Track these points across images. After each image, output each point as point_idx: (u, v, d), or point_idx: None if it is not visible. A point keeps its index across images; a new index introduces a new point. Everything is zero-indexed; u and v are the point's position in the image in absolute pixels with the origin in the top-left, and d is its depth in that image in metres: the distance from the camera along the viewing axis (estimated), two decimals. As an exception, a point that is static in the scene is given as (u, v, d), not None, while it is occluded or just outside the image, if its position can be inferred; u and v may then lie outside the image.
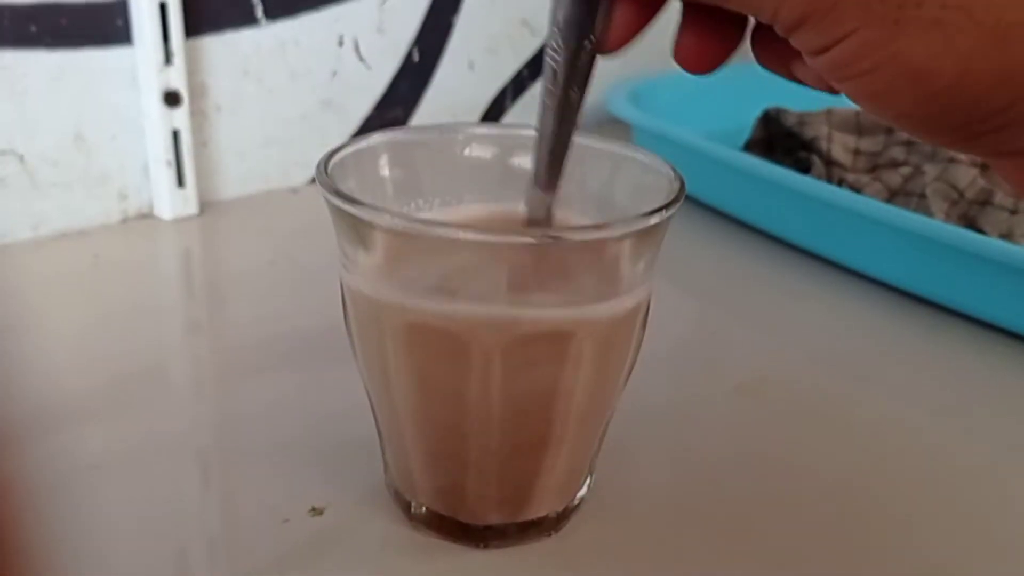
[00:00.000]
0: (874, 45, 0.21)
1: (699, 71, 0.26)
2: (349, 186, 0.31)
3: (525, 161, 0.35)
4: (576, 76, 0.27)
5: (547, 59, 0.27)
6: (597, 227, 0.27)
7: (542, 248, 0.28)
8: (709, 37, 0.26)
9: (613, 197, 0.33)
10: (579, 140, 0.34)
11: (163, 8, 0.55)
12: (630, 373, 0.33)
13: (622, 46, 0.26)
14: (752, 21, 0.26)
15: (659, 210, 0.28)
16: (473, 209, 0.34)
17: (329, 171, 0.31)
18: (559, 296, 0.29)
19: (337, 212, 0.29)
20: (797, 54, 0.24)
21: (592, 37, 0.26)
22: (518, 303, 0.28)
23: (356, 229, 0.29)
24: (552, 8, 0.26)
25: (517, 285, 0.28)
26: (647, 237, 0.29)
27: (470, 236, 0.27)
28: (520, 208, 0.31)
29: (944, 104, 0.22)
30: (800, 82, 0.26)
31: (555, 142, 0.28)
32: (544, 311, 0.28)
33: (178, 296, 0.54)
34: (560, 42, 0.26)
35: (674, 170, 0.31)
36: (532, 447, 0.31)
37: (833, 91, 0.25)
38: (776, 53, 0.25)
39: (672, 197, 0.29)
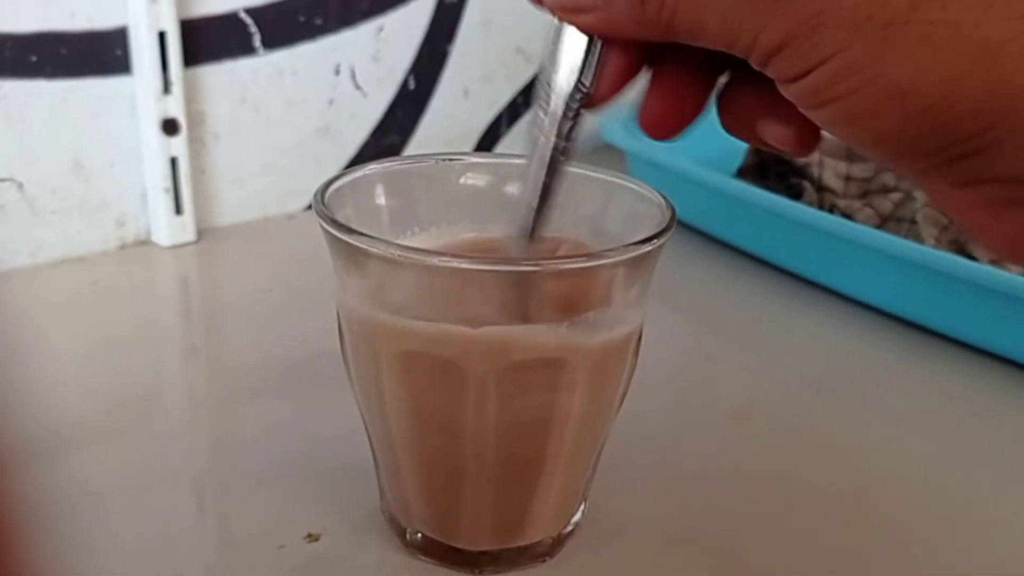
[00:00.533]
0: (857, 66, 0.21)
1: (661, 137, 0.26)
2: (346, 215, 0.31)
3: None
4: (565, 130, 0.27)
5: (536, 113, 0.27)
6: (589, 255, 0.28)
7: (534, 276, 0.28)
8: (674, 102, 0.26)
9: (606, 225, 0.34)
10: (572, 169, 0.35)
11: (162, 38, 0.55)
12: (623, 399, 0.33)
13: (610, 99, 0.27)
14: (717, 87, 0.26)
15: (651, 239, 0.29)
16: (468, 237, 0.35)
17: (326, 200, 0.31)
18: (552, 324, 0.29)
19: (333, 240, 0.30)
20: (763, 113, 0.25)
21: (582, 92, 0.26)
22: (511, 331, 0.29)
23: (351, 257, 0.30)
24: (541, 64, 0.27)
25: (510, 313, 0.29)
26: (639, 265, 0.30)
27: (464, 265, 0.27)
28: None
29: (924, 126, 0.21)
30: (765, 145, 0.26)
31: (542, 194, 0.28)
32: (537, 339, 0.29)
33: (176, 322, 0.54)
34: (550, 97, 0.27)
35: (666, 199, 0.32)
36: (526, 473, 0.32)
37: (797, 153, 0.25)
38: (741, 115, 0.26)
39: (664, 226, 0.30)
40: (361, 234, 0.28)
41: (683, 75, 0.26)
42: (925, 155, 0.22)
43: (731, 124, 0.26)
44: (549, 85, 0.27)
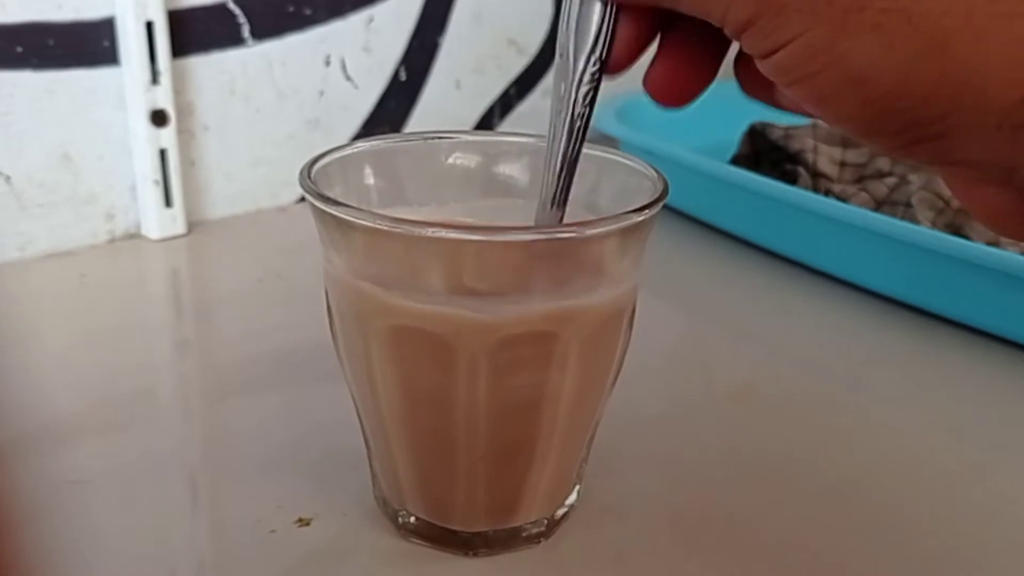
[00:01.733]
0: (818, 49, 0.22)
1: (671, 104, 0.27)
2: (334, 193, 0.31)
3: (509, 168, 0.36)
4: (583, 98, 0.28)
5: (555, 83, 0.28)
6: (581, 225, 0.28)
7: (525, 246, 0.28)
8: (684, 69, 0.27)
9: (598, 201, 0.33)
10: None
11: (150, 28, 0.55)
12: (617, 377, 0.33)
13: (626, 67, 0.27)
14: (733, 50, 0.27)
15: (643, 208, 0.28)
16: (456, 212, 0.34)
17: (313, 177, 0.31)
18: (544, 296, 0.28)
19: (320, 215, 0.29)
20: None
21: (598, 60, 0.27)
22: (502, 303, 0.28)
23: (339, 231, 0.29)
24: (559, 34, 0.28)
25: (501, 284, 0.28)
26: (631, 236, 0.29)
27: (454, 235, 0.27)
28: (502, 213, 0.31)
29: (884, 109, 0.22)
30: (781, 108, 0.27)
31: (565, 162, 0.29)
32: (529, 311, 0.28)
33: (166, 315, 0.54)
34: (568, 67, 0.27)
35: (658, 172, 0.32)
36: (519, 452, 0.31)
37: (813, 115, 0.25)
38: (758, 79, 0.26)
39: (656, 197, 0.29)
40: (349, 206, 0.28)
41: (692, 44, 0.26)
42: (889, 136, 0.23)
43: (749, 88, 0.27)
44: (567, 55, 0.27)
